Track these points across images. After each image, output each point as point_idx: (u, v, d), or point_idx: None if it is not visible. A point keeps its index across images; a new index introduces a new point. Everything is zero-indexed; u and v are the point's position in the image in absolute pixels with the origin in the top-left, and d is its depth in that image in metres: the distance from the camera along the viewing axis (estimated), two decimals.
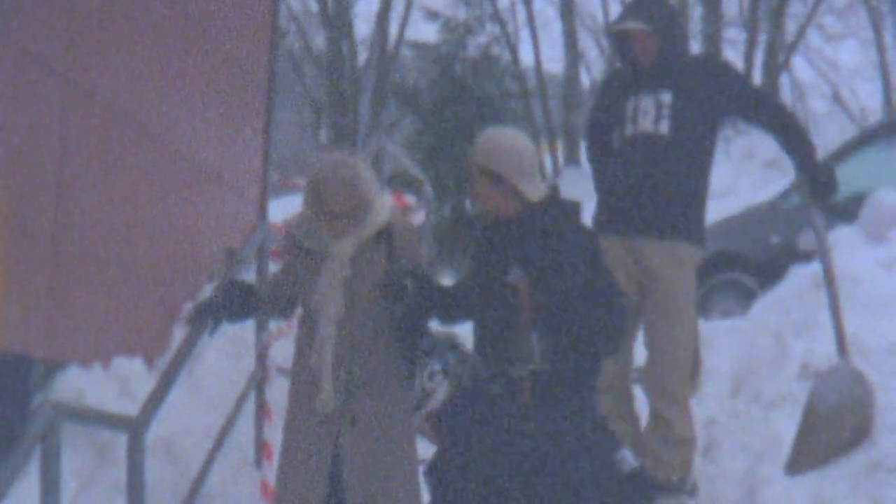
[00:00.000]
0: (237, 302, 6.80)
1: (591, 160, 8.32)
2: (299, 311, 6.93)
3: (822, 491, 7.29)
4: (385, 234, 6.73)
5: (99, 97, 9.66)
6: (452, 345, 6.50)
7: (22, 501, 6.87)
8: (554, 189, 6.52)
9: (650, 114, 7.80)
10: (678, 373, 7.71)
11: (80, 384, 8.61)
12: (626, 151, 7.90)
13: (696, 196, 7.86)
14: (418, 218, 13.84)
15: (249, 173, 11.99)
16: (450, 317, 6.74)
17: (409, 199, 14.37)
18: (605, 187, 8.09)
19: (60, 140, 9.08)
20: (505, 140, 6.49)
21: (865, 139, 13.52)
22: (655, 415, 7.90)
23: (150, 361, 9.22)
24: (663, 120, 7.79)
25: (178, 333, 9.48)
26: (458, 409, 6.36)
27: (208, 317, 6.80)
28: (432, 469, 6.37)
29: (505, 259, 6.34)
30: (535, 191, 6.46)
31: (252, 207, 11.81)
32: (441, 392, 6.09)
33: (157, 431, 7.66)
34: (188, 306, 7.14)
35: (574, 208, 6.56)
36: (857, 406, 7.66)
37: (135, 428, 6.93)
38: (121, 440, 7.21)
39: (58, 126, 9.05)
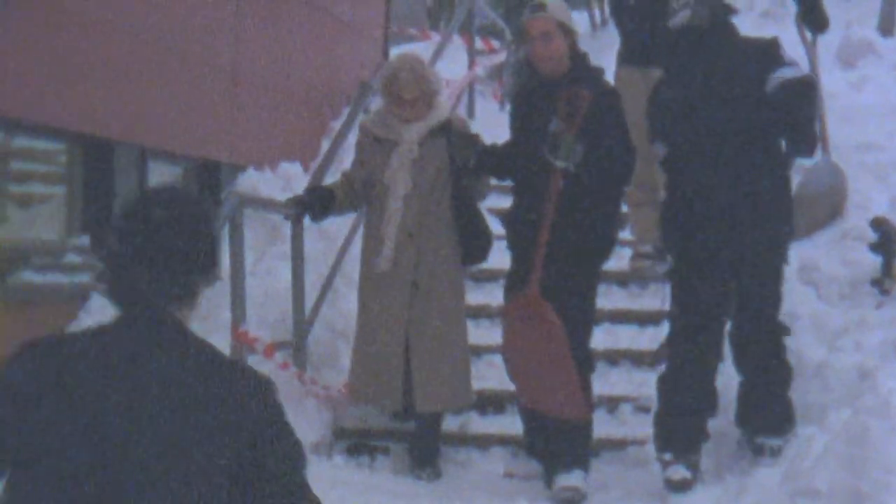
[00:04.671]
0: (319, 206, 6.52)
1: (614, 12, 8.35)
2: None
3: (806, 254, 7.23)
4: (445, 128, 6.40)
5: None
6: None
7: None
8: (585, 54, 6.31)
9: None
10: None
11: (255, 182, 8.57)
12: (642, 4, 7.80)
13: None
14: (501, 57, 13.71)
15: (375, 24, 11.87)
16: (504, 168, 6.43)
17: (494, 43, 14.26)
18: (626, 32, 8.04)
19: (235, 4, 8.98)
20: (564, 1, 6.33)
21: None
22: None
23: (305, 165, 9.23)
24: None
25: (326, 144, 9.47)
26: None
27: (296, 212, 6.57)
28: None
29: (547, 113, 6.01)
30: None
31: (377, 50, 11.69)
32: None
33: None
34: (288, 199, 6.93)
35: (600, 70, 6.35)
36: (834, 190, 7.62)
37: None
38: (285, 222, 7.24)
39: None
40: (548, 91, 6.10)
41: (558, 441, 6.05)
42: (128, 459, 2.57)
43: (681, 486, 5.86)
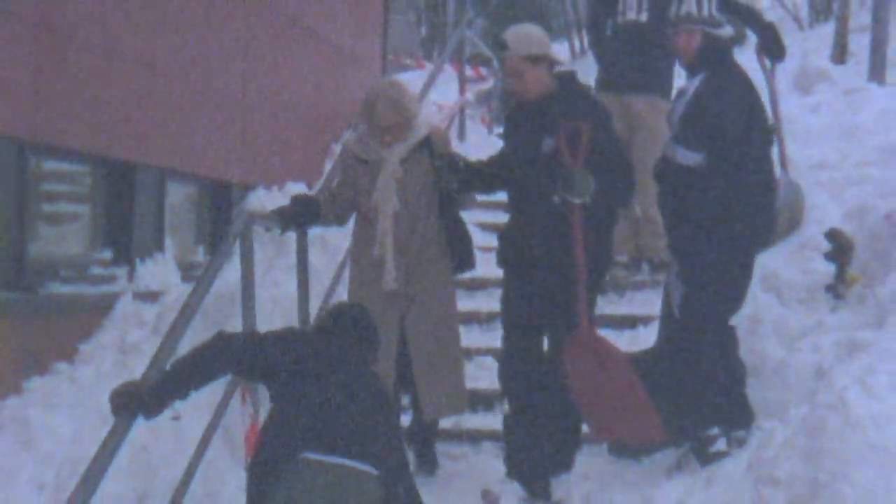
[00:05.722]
0: (303, 214, 6.25)
1: (592, 43, 8.32)
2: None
3: (769, 263, 7.21)
4: (426, 144, 6.08)
5: (274, 7, 9.64)
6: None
7: (228, 277, 6.97)
8: (572, 72, 6.04)
9: (634, 7, 7.81)
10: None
11: (264, 200, 8.54)
12: (618, 35, 7.89)
13: (666, 63, 7.83)
14: (489, 84, 13.77)
15: (374, 54, 11.95)
16: (492, 185, 6.16)
17: (483, 71, 14.28)
18: (603, 61, 8.05)
19: (245, 38, 9.08)
20: (530, 29, 6.00)
21: None
22: (645, 216, 7.91)
23: (309, 184, 9.25)
24: (644, 11, 7.81)
25: (328, 164, 9.52)
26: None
27: (280, 222, 6.25)
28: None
29: (538, 132, 5.77)
30: (561, 61, 5.99)
31: (375, 78, 11.77)
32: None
33: (315, 231, 7.64)
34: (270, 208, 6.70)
35: (587, 87, 6.05)
36: (792, 205, 7.56)
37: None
38: (291, 237, 7.11)
39: (244, 30, 9.06)
40: (533, 110, 5.86)
41: (550, 446, 6.01)
42: (345, 408, 4.41)
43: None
